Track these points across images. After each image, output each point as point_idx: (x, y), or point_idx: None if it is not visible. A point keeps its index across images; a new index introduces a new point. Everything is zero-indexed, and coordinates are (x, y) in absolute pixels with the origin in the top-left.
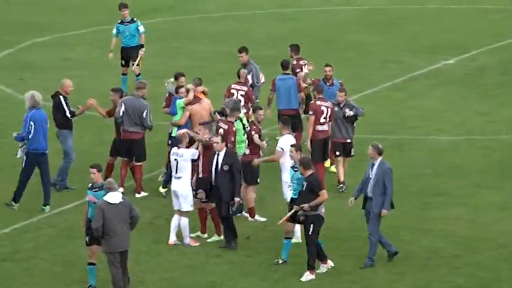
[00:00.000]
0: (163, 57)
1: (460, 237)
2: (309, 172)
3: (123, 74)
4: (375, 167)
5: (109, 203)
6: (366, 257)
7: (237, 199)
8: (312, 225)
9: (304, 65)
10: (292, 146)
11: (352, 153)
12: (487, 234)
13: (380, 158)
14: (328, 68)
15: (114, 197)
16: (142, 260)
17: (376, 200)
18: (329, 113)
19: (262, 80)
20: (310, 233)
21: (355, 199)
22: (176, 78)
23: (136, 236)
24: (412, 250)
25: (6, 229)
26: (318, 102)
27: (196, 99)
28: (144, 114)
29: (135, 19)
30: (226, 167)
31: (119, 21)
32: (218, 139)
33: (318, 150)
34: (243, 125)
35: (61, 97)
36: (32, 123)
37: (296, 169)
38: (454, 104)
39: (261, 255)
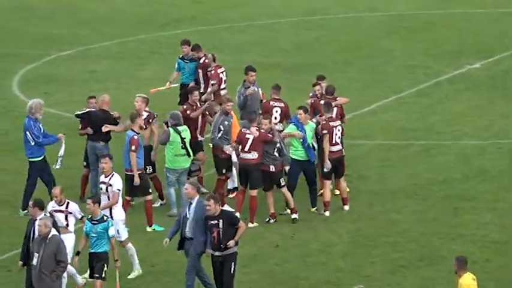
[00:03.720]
0: None
1: (491, 241)
2: (220, 208)
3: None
4: (193, 206)
5: None
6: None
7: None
8: (233, 263)
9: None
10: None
11: (282, 183)
12: None
13: (198, 197)
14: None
15: None
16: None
17: (197, 240)
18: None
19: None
20: (232, 272)
21: (170, 240)
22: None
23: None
24: (442, 255)
25: None
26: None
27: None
28: None
29: (195, 58)
30: None
31: (180, 56)
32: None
33: None
34: (182, 138)
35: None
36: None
37: (95, 222)
38: (479, 108)
39: (289, 264)
